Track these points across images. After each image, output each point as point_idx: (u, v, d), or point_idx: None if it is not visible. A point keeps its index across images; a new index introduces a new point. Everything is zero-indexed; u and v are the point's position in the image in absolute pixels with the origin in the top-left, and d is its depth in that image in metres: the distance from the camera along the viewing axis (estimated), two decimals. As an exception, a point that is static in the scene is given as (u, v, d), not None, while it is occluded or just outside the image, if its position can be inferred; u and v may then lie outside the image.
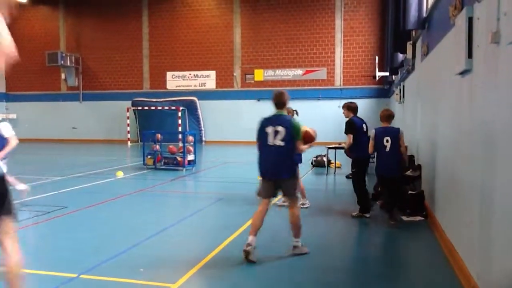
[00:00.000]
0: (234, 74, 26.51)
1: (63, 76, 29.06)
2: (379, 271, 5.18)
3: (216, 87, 26.82)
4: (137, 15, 27.71)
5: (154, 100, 26.36)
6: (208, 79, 26.94)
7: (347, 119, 7.72)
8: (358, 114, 7.82)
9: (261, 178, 5.60)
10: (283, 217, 6.42)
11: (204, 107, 26.38)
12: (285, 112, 5.72)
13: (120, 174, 12.48)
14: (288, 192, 5.58)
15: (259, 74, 26.12)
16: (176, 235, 6.66)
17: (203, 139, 25.99)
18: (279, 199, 8.16)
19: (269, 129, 5.42)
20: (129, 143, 25.94)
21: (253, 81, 26.27)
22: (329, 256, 5.65)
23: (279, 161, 5.37)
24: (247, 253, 5.17)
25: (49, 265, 5.13)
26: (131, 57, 27.91)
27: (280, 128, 5.37)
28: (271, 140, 5.38)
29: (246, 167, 14.95)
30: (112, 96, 28.11)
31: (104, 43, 28.15)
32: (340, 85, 25.03)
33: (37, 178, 11.87)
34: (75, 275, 4.77)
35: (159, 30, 27.41)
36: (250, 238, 5.29)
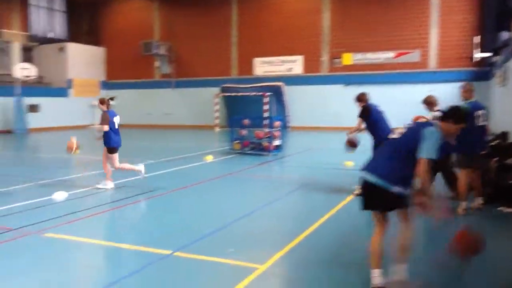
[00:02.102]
0: (322, 58, 26.11)
1: (157, 64, 30.48)
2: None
3: (303, 72, 26.63)
4: (227, 3, 28.21)
5: (242, 86, 26.78)
6: (295, 64, 26.83)
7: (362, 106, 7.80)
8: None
9: None
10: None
11: (291, 93, 26.32)
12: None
13: (209, 158, 12.88)
14: None
15: (348, 58, 25.48)
16: (263, 218, 6.75)
17: (289, 124, 26.01)
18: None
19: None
20: (217, 128, 26.67)
21: (341, 65, 25.70)
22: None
23: None
24: None
25: (145, 242, 5.43)
26: (220, 45, 28.54)
27: None
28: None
29: (332, 153, 14.74)
30: (201, 83, 29.01)
31: (195, 32, 29.04)
32: (434, 68, 23.69)
33: (132, 161, 12.59)
34: (169, 252, 5.01)
35: (247, 17, 27.72)
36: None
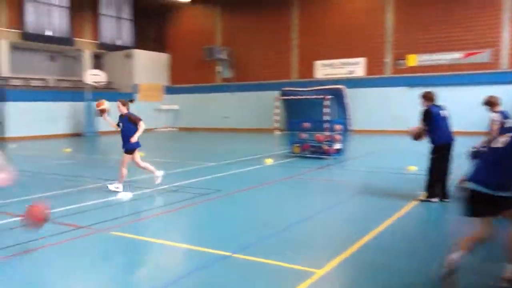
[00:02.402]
0: (385, 60, 25.47)
1: (218, 68, 31.06)
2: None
3: (365, 74, 26.10)
4: (288, 7, 28.26)
5: (302, 89, 26.65)
6: (356, 67, 26.35)
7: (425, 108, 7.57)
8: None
9: None
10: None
11: (352, 95, 25.82)
12: None
13: (268, 161, 12.93)
14: None
15: (412, 59, 24.67)
16: (322, 222, 6.67)
17: (351, 128, 25.53)
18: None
19: None
20: (277, 131, 26.72)
21: (405, 67, 24.94)
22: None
23: None
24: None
25: (205, 243, 5.53)
26: (280, 48, 28.61)
27: None
28: None
29: (395, 157, 14.34)
30: (262, 87, 29.19)
31: (255, 36, 29.31)
32: (507, 68, 22.40)
33: (194, 163, 12.91)
34: (228, 254, 5.06)
35: (308, 21, 27.60)
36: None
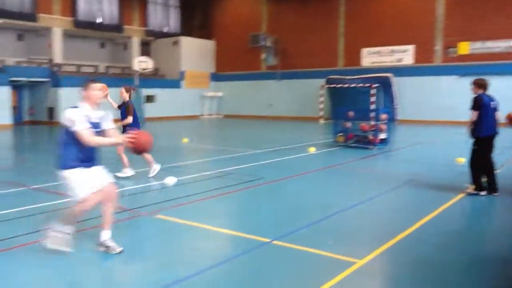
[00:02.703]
0: (435, 48, 24.63)
1: (263, 56, 31.03)
2: None
3: (414, 62, 25.36)
4: (334, -7, 27.83)
5: (348, 77, 26.25)
6: (405, 54, 25.64)
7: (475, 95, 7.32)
8: None
9: None
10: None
11: (400, 84, 25.24)
12: None
13: (312, 150, 12.87)
14: None
15: (464, 47, 23.73)
16: (364, 212, 6.60)
17: (397, 117, 24.99)
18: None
19: None
20: (321, 120, 26.50)
21: (456, 55, 24.03)
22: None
23: None
24: None
25: (246, 229, 5.61)
26: (326, 36, 28.22)
27: None
28: None
29: (443, 149, 13.92)
30: (307, 74, 28.97)
31: (301, 23, 29.03)
32: None
33: (238, 150, 13.04)
34: (268, 240, 5.12)
35: (355, 7, 27.04)
36: None
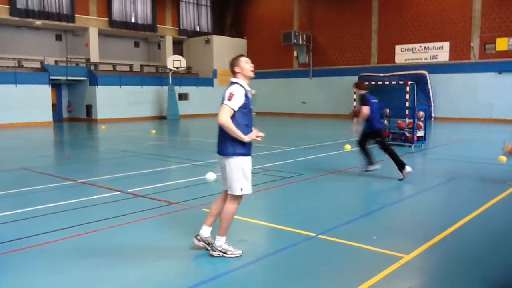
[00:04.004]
0: (472, 44, 24.11)
1: (295, 53, 31.01)
2: None
3: (450, 59, 24.89)
4: (367, -11, 27.57)
5: (382, 74, 26.00)
6: (440, 51, 25.18)
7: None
8: None
9: None
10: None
11: (435, 81, 24.82)
12: None
13: (348, 148, 12.84)
14: None
15: (502, 43, 23.13)
16: (407, 209, 6.60)
17: (433, 115, 24.59)
18: None
19: None
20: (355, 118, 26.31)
21: (494, 52, 23.45)
22: None
23: None
24: None
25: (290, 223, 5.70)
26: (359, 33, 28.01)
27: None
28: None
29: (483, 147, 13.66)
30: (339, 72, 28.82)
31: (334, 21, 28.90)
32: None
33: (275, 147, 13.14)
34: (313, 234, 5.20)
35: (389, 3, 26.72)
36: None
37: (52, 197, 7.12)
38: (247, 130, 4.37)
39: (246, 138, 4.33)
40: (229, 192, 4.47)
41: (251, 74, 4.62)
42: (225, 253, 4.47)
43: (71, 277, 4.09)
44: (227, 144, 4.35)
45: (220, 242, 4.50)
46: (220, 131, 4.40)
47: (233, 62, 4.57)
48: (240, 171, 4.36)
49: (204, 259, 4.59)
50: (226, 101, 4.26)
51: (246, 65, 4.56)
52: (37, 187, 7.88)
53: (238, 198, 4.47)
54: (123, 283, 3.98)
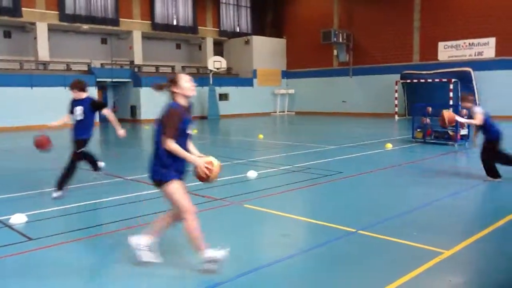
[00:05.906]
0: (519, 39, 23.31)
1: (335, 52, 30.87)
2: None
3: (496, 55, 24.14)
4: (409, -14, 27.12)
5: (424, 72, 25.51)
6: (485, 47, 24.46)
7: None
8: None
9: None
10: None
11: (481, 79, 24.14)
12: None
13: (389, 146, 12.78)
14: None
15: (552, 38, 22.28)
16: (449, 206, 6.58)
17: (477, 113, 23.88)
18: None
19: None
20: (396, 116, 25.97)
21: (543, 47, 22.61)
22: None
23: None
24: None
25: (331, 219, 5.82)
26: (401, 30, 27.58)
27: None
28: None
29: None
30: (380, 70, 28.48)
31: (374, 18, 28.57)
32: None
33: (315, 146, 13.23)
34: (354, 230, 5.31)
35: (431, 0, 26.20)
36: None
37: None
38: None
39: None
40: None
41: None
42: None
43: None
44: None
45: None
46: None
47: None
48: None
49: (250, 248, 4.79)
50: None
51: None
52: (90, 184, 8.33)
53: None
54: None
